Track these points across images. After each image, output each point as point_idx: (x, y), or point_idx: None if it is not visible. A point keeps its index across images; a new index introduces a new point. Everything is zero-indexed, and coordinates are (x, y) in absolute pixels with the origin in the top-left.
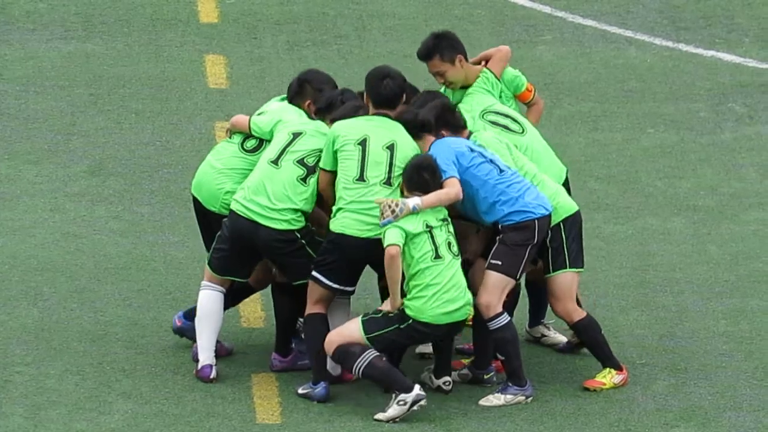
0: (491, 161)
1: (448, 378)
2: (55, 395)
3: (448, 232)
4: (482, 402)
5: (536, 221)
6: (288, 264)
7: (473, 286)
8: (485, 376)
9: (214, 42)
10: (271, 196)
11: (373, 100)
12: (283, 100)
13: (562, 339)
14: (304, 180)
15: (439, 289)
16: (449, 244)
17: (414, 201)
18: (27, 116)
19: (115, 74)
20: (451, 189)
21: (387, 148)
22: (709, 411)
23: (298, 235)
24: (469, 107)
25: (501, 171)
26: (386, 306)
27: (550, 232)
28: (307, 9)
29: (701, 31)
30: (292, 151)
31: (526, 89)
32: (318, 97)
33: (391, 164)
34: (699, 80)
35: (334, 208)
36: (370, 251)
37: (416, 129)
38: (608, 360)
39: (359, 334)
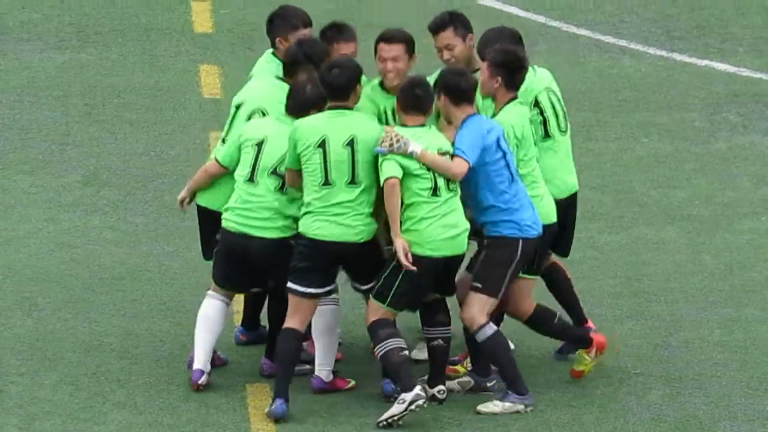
0: (508, 165)
1: (442, 387)
2: (50, 405)
3: None
4: (480, 407)
5: (521, 240)
6: (282, 274)
7: (460, 299)
8: (488, 384)
9: (209, 52)
10: (257, 209)
11: (326, 92)
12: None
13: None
14: (282, 189)
15: (434, 222)
16: (449, 181)
17: (415, 147)
18: (21, 126)
19: (110, 84)
20: (456, 168)
21: (347, 145)
22: (704, 421)
23: (290, 243)
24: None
25: (512, 180)
26: (397, 245)
27: None
28: None
29: (695, 41)
30: (263, 163)
31: None
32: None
33: (353, 162)
34: (693, 90)
35: (302, 209)
36: (344, 254)
37: (455, 96)
38: (577, 341)
39: (383, 309)
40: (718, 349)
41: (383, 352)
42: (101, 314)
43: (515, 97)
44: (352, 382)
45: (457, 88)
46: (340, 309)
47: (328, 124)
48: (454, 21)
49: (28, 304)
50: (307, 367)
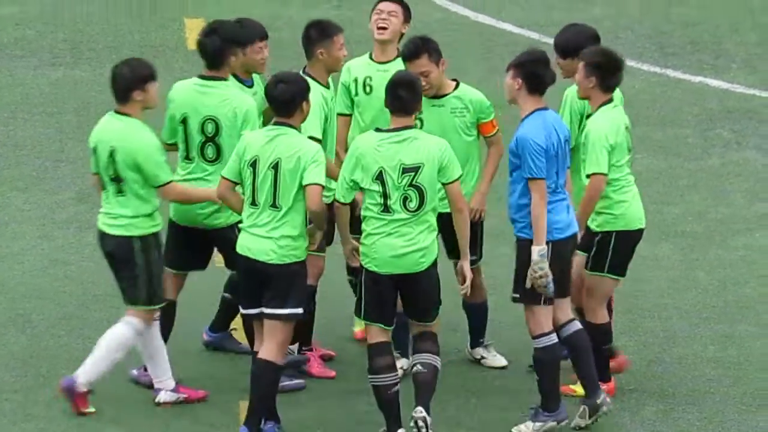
0: (556, 173)
1: (422, 415)
2: (44, 422)
3: (411, 186)
4: (514, 429)
5: (550, 243)
6: (121, 278)
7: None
8: (598, 400)
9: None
10: (106, 212)
11: (270, 106)
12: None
13: (502, 362)
14: (120, 192)
15: (379, 239)
16: (405, 199)
17: (536, 253)
18: (15, 143)
19: (104, 101)
20: (536, 194)
21: (272, 167)
22: None
23: (135, 246)
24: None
25: (555, 190)
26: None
27: (600, 234)
28: (294, 35)
29: (689, 57)
30: (101, 169)
31: (490, 122)
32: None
33: (275, 185)
34: (687, 106)
35: (240, 225)
36: (258, 272)
37: (533, 86)
38: (601, 373)
39: (375, 328)
40: (712, 365)
41: (376, 384)
42: (95, 331)
43: (610, 100)
44: (91, 409)
45: (540, 80)
46: (133, 338)
47: (263, 144)
48: (428, 47)
49: (22, 321)
50: (300, 381)
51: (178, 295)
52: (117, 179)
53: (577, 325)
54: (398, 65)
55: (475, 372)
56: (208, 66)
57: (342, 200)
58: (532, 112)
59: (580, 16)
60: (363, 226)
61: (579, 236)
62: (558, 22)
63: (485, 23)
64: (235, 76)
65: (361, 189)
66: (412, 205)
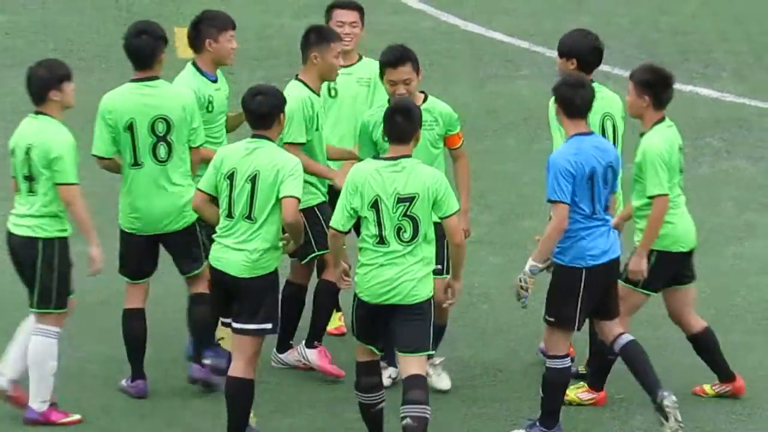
0: (593, 198)
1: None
2: (33, 431)
3: (405, 216)
4: None
5: (584, 270)
6: (31, 280)
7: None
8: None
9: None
10: (17, 212)
11: (247, 119)
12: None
13: (445, 385)
14: (30, 191)
15: (370, 270)
16: (399, 229)
17: (528, 265)
18: (6, 152)
19: (93, 109)
20: (556, 218)
21: (249, 180)
22: None
23: (40, 246)
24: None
25: (593, 213)
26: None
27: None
28: (286, 44)
29: (679, 66)
30: (17, 171)
31: (457, 134)
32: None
33: (251, 197)
34: (677, 115)
35: (214, 236)
36: (227, 284)
37: (568, 110)
38: (594, 377)
39: (361, 347)
40: (703, 375)
41: (361, 402)
42: (83, 340)
43: (663, 118)
44: (75, 416)
45: (571, 102)
46: (53, 342)
47: (241, 156)
48: (410, 56)
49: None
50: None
51: (175, 302)
52: (29, 178)
53: (629, 336)
54: (360, 67)
55: (465, 380)
56: (140, 67)
57: (341, 229)
58: (572, 137)
59: (569, 24)
60: (359, 256)
61: (645, 264)
62: (547, 31)
63: (475, 32)
64: (199, 70)
65: (359, 216)
66: (406, 235)
